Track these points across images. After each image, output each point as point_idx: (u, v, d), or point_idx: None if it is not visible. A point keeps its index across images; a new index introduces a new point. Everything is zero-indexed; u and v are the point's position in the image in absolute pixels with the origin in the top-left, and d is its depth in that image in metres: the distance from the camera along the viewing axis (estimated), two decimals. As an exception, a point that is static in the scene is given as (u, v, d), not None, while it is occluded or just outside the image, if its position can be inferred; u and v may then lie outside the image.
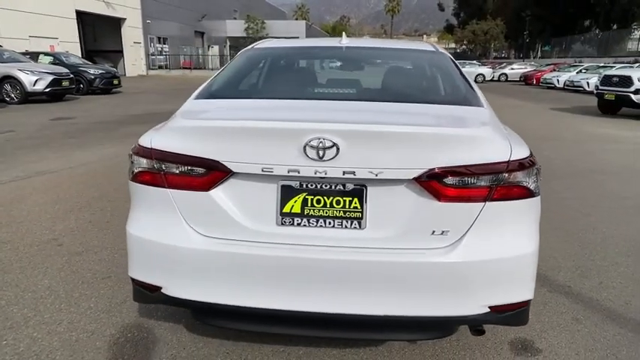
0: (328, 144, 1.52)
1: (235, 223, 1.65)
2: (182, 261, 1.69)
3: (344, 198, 1.61)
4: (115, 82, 17.22)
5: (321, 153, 1.52)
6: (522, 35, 36.63)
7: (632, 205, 4.44)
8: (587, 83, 19.52)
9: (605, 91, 11.76)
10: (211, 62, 38.67)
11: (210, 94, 2.11)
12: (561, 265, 3.05)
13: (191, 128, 1.70)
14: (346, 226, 1.62)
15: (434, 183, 1.56)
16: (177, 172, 1.66)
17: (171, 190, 1.68)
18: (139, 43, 32.25)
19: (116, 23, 30.18)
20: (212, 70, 35.60)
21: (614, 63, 22.96)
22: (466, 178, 1.56)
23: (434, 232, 1.60)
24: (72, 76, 14.24)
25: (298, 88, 2.27)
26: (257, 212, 1.65)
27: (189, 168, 1.64)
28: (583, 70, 22.73)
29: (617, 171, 5.91)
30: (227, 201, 1.64)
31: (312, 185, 1.62)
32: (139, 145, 1.77)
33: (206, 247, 1.66)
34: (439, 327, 1.72)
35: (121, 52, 30.65)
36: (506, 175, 1.58)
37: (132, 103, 14.00)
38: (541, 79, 25.69)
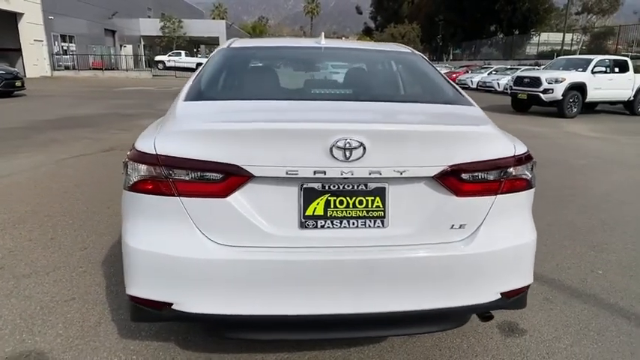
0: (355, 144, 1.51)
1: (256, 229, 1.57)
2: (198, 273, 1.58)
3: (366, 198, 1.62)
4: (18, 83, 15.40)
5: (347, 153, 1.51)
6: (436, 39, 39.27)
7: (565, 194, 4.96)
8: (498, 84, 21.40)
9: (519, 91, 13.00)
10: (125, 62, 36.12)
11: (201, 96, 1.98)
12: (520, 251, 3.31)
13: (204, 132, 1.58)
14: (369, 226, 1.63)
15: (452, 179, 1.62)
16: (190, 178, 1.55)
17: (182, 198, 1.56)
18: (41, 41, 29.23)
19: (12, 18, 27.01)
20: (127, 70, 33.32)
21: (518, 65, 25.40)
22: (481, 174, 1.65)
23: (453, 226, 1.66)
24: (-35, 77, 12.54)
25: (296, 89, 2.22)
26: (278, 217, 1.59)
27: (204, 174, 1.54)
28: (493, 72, 24.84)
29: (542, 163, 6.54)
30: (246, 207, 1.57)
31: (334, 186, 1.60)
32: (138, 151, 1.62)
33: (225, 257, 1.56)
34: (458, 317, 1.79)
35: (19, 50, 27.52)
36: (512, 169, 1.70)
37: (42, 107, 12.65)
38: (456, 80, 27.63)
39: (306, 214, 1.60)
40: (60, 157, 6.29)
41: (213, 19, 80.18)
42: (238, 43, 2.62)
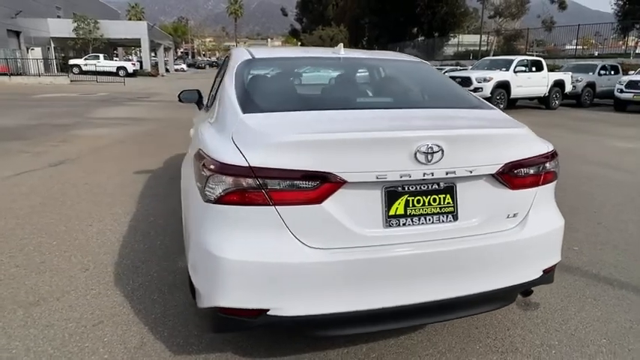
0: (436, 148, 1.68)
1: (347, 231, 1.68)
2: (296, 277, 1.65)
3: (439, 196, 1.79)
4: None
5: (429, 157, 1.68)
6: (362, 41, 40.73)
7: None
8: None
9: (451, 90, 14.00)
10: (34, 67, 32.82)
11: (259, 108, 2.02)
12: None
13: (297, 142, 1.65)
14: (443, 221, 1.80)
15: (507, 175, 1.85)
16: (286, 187, 1.62)
17: (278, 207, 1.62)
18: None
19: None
20: (39, 76, 30.35)
21: (440, 65, 27.21)
22: (528, 169, 1.90)
23: (508, 215, 1.90)
24: None
25: (344, 97, 2.32)
26: (365, 218, 1.71)
27: (300, 183, 1.62)
28: (420, 72, 26.15)
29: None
30: (338, 211, 1.67)
31: (412, 187, 1.75)
32: (226, 164, 1.64)
33: (321, 260, 1.66)
34: (512, 294, 2.03)
35: None
36: (548, 164, 1.97)
37: (-47, 118, 11.28)
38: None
39: (389, 214, 1.74)
40: (3, 174, 5.73)
41: (130, 19, 75.94)
42: (260, 53, 2.65)
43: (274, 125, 1.81)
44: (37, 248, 3.43)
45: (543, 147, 1.99)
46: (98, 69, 32.69)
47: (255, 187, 1.61)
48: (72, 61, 36.09)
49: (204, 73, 51.97)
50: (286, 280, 1.65)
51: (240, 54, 2.67)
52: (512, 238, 1.89)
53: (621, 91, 14.25)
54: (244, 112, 1.95)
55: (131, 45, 56.41)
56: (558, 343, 2.29)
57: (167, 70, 48.92)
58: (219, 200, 1.66)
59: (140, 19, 74.46)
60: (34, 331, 2.36)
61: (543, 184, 1.98)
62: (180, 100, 4.15)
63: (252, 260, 1.64)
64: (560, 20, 33.20)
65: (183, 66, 62.06)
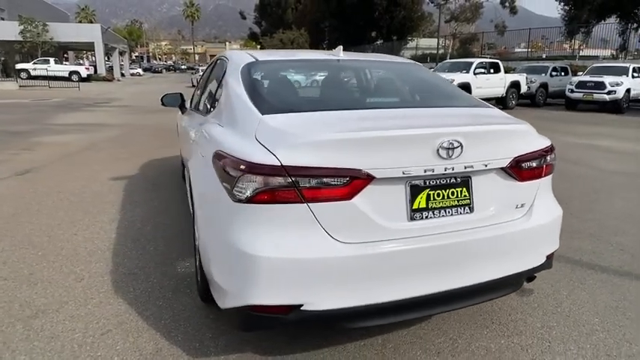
0: (456, 144, 1.78)
1: (376, 225, 1.75)
2: (328, 272, 1.70)
3: (456, 189, 1.90)
4: None
5: (450, 152, 1.78)
6: (322, 44, 41.08)
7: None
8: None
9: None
10: (-22, 72, 30.81)
11: (277, 109, 2.04)
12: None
13: (327, 141, 1.70)
14: (460, 213, 1.91)
15: (516, 168, 1.99)
16: (318, 185, 1.66)
17: (310, 204, 1.67)
18: None
19: None
20: (-16, 82, 28.47)
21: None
22: (533, 162, 2.05)
23: (517, 205, 2.03)
24: None
25: (355, 98, 2.39)
26: (391, 212, 1.79)
27: (332, 180, 1.67)
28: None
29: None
30: (367, 206, 1.74)
31: (433, 182, 1.85)
32: (258, 164, 1.67)
33: (352, 253, 1.72)
34: (520, 280, 2.17)
35: None
36: (549, 157, 2.13)
37: None
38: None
39: (413, 207, 1.82)
40: (-35, 184, 5.39)
41: (80, 22, 72.83)
42: (262, 56, 2.67)
43: (299, 125, 1.86)
44: (22, 260, 3.27)
45: (544, 142, 2.15)
46: (49, 74, 31.04)
47: (288, 186, 1.65)
48: (19, 66, 34.10)
49: (161, 77, 50.62)
50: (319, 274, 1.70)
51: (241, 57, 2.68)
52: (521, 227, 2.03)
53: (572, 91, 15.21)
54: (263, 114, 1.98)
55: (83, 49, 54.15)
56: (557, 324, 2.46)
57: (122, 75, 47.15)
58: (251, 200, 1.68)
59: (91, 22, 71.63)
60: (39, 344, 2.27)
61: (545, 175, 2.14)
62: (163, 104, 4.18)
63: (286, 257, 1.67)
64: (510, 24, 34.96)
65: (139, 70, 59.98)
